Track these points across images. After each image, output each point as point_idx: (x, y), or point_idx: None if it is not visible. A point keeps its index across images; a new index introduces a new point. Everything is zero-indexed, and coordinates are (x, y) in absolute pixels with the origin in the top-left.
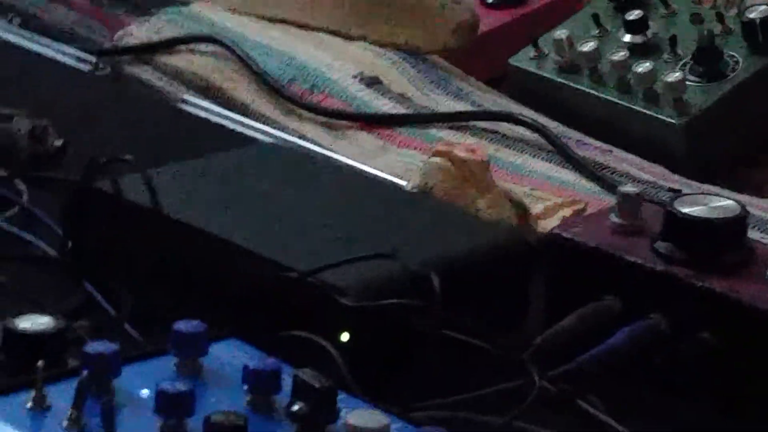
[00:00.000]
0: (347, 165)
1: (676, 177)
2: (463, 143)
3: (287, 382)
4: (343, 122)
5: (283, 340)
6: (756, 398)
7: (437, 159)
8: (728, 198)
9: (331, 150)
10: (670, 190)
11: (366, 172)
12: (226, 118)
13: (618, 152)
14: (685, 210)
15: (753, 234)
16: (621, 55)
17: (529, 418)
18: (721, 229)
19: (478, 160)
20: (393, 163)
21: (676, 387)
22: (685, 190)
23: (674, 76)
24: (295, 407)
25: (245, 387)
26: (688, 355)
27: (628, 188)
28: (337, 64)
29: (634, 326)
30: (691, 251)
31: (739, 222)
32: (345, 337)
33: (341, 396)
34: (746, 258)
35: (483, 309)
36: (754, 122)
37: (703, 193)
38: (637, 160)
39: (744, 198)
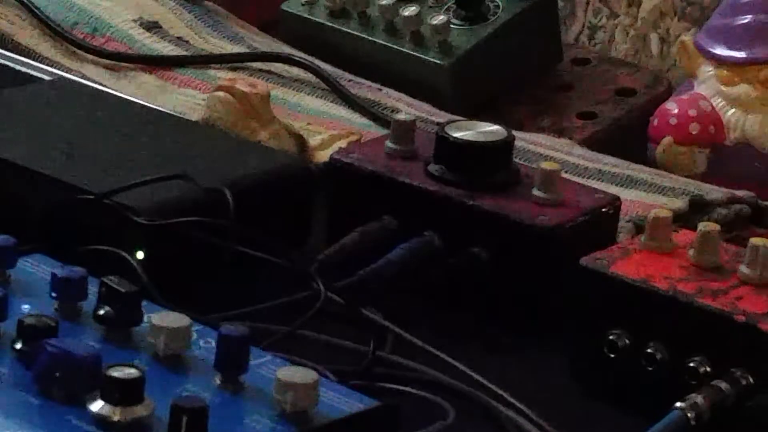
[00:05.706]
0: (133, 101)
1: (443, 113)
2: (244, 78)
3: (92, 291)
4: (125, 64)
5: (85, 254)
6: (521, 305)
7: (220, 93)
8: (495, 125)
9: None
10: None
11: (151, 107)
12: (11, 60)
13: (388, 91)
14: (456, 134)
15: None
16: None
17: (315, 328)
18: (489, 151)
19: (259, 93)
20: (175, 101)
21: (450, 298)
22: None
23: (439, 19)
24: (102, 311)
25: (54, 295)
26: (461, 269)
27: (402, 116)
28: (118, 9)
29: (410, 242)
30: (461, 172)
31: (506, 144)
32: (140, 254)
33: (145, 303)
34: (513, 178)
35: (270, 229)
36: (514, 62)
37: (471, 120)
38: (406, 98)
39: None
